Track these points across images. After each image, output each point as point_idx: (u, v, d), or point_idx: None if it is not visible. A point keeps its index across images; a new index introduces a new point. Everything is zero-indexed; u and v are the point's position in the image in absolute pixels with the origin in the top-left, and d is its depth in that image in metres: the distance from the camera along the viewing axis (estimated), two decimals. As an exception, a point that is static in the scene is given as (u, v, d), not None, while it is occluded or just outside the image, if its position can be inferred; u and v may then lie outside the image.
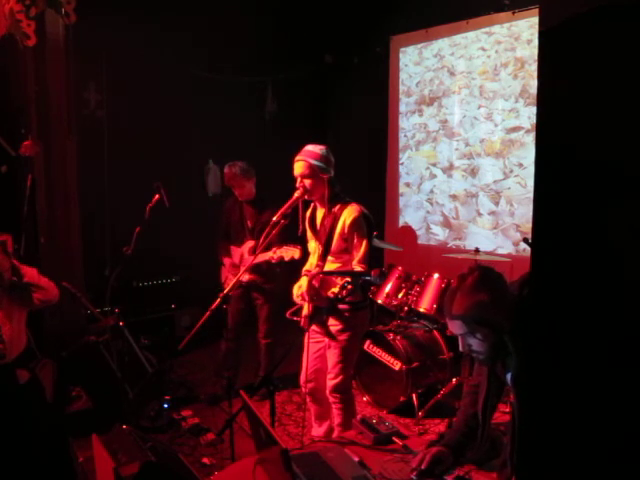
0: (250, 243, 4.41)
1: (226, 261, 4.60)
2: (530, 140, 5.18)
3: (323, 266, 3.21)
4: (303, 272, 3.37)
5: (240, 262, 4.46)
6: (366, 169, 6.56)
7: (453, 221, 5.95)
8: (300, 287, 3.26)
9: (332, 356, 3.26)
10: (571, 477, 1.04)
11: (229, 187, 4.53)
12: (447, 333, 4.43)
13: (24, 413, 3.22)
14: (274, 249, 3.89)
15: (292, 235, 3.29)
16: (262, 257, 4.13)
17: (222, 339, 4.67)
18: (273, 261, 3.87)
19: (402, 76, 6.43)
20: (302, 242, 3.48)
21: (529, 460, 1.12)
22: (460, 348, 2.04)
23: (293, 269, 4.01)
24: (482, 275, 1.97)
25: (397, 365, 4.17)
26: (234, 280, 3.56)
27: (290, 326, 3.61)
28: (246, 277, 4.38)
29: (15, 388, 3.38)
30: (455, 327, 1.99)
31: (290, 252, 3.76)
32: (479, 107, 5.63)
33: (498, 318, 1.90)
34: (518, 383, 1.97)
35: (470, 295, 1.92)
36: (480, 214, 5.66)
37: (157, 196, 4.33)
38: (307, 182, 3.14)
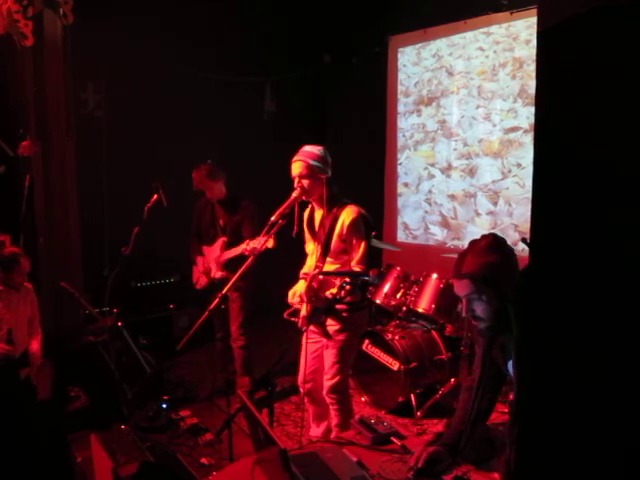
0: (222, 239, 4.41)
1: (198, 260, 4.60)
2: (528, 140, 5.18)
3: (322, 267, 3.21)
4: (301, 275, 3.36)
5: (213, 259, 4.44)
6: (364, 169, 6.55)
7: (451, 221, 5.95)
8: (295, 293, 3.25)
9: (329, 356, 3.25)
10: (574, 466, 1.04)
11: (199, 191, 4.50)
12: (445, 333, 4.44)
13: (27, 412, 3.25)
14: (247, 241, 3.89)
15: (288, 235, 3.28)
16: (234, 251, 4.18)
17: (215, 340, 4.65)
18: (246, 253, 3.80)
19: (400, 76, 6.43)
20: (298, 243, 3.47)
21: (528, 447, 1.12)
22: (463, 313, 2.07)
23: (269, 268, 4.03)
24: (495, 240, 2.03)
25: (395, 365, 4.17)
26: (232, 280, 3.54)
27: (287, 327, 3.61)
28: (219, 274, 4.38)
29: (18, 387, 3.41)
30: (462, 287, 2.00)
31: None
32: (477, 107, 5.63)
33: (504, 283, 1.93)
34: (518, 362, 1.96)
35: (481, 255, 1.97)
36: (478, 214, 5.66)
37: (155, 196, 4.33)
38: (305, 182, 3.14)
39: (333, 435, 3.23)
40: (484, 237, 2.04)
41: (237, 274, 3.29)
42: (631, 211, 0.91)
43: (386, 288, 4.55)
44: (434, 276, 4.38)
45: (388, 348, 4.25)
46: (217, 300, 3.33)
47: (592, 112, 0.97)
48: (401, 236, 6.50)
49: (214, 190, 4.43)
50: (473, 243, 2.03)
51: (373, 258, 3.33)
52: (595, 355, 0.98)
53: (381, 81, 6.55)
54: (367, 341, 4.42)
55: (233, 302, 4.43)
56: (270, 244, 3.66)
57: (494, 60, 5.46)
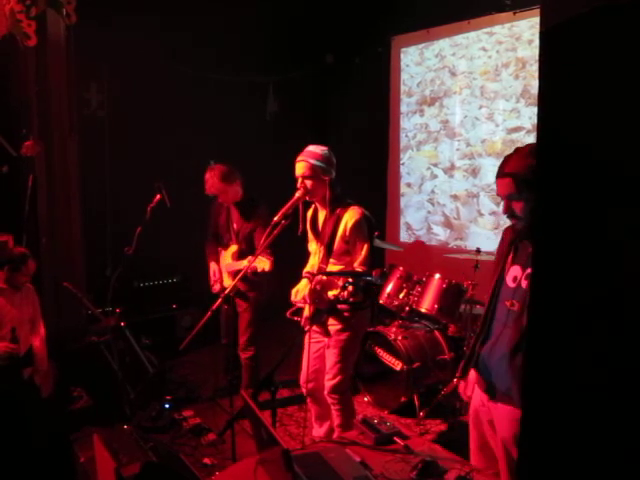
0: (233, 248, 4.26)
1: (213, 265, 4.43)
2: (531, 140, 5.16)
3: (325, 268, 3.21)
4: (304, 274, 3.36)
5: (224, 266, 4.34)
6: (367, 169, 6.55)
7: (454, 221, 5.94)
8: (298, 291, 3.24)
9: (331, 356, 3.25)
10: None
11: (212, 195, 4.26)
12: (448, 333, 4.43)
13: (29, 411, 3.26)
14: (249, 258, 3.72)
15: (292, 235, 3.28)
16: (237, 266, 4.08)
17: (221, 345, 4.63)
18: (247, 270, 3.58)
19: (403, 76, 6.43)
20: (302, 242, 3.47)
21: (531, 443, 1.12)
22: (503, 210, 2.15)
23: (281, 277, 3.94)
24: None
25: (398, 365, 4.17)
26: (234, 281, 3.55)
27: (290, 327, 3.61)
28: (229, 283, 4.23)
29: (21, 386, 3.43)
30: (503, 186, 2.10)
31: (261, 264, 3.59)
32: (480, 107, 5.63)
33: None
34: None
35: (526, 158, 2.04)
36: (481, 214, 5.66)
37: (158, 196, 4.33)
38: (308, 183, 3.14)
39: (335, 435, 3.23)
40: (529, 144, 2.13)
41: (239, 276, 3.29)
42: (633, 212, 0.91)
43: (389, 288, 4.55)
44: (437, 276, 4.37)
45: (391, 348, 4.25)
46: (220, 300, 3.33)
47: (595, 112, 0.97)
48: (404, 236, 6.49)
49: (228, 194, 4.19)
50: (518, 148, 2.12)
51: (376, 258, 3.33)
52: (597, 357, 0.98)
53: (384, 81, 6.55)
54: (370, 341, 4.42)
55: (243, 313, 4.28)
56: (267, 267, 3.62)
57: (497, 60, 5.45)
